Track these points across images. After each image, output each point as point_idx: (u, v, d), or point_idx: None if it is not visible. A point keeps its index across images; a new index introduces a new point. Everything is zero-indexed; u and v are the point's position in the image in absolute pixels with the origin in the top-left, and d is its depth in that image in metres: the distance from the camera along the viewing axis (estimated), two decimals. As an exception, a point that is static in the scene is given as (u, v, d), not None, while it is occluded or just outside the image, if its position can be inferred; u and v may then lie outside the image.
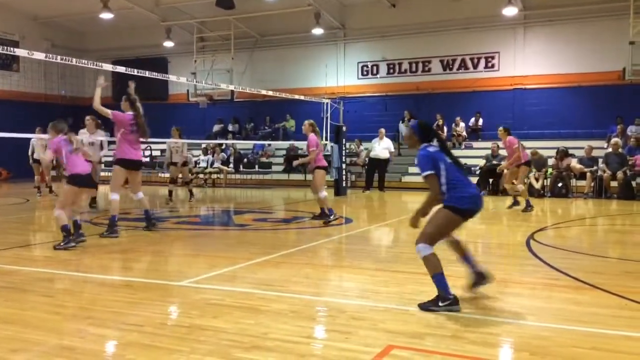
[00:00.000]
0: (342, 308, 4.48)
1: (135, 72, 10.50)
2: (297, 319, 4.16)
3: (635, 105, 17.84)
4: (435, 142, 4.65)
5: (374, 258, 6.74)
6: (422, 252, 4.44)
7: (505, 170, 12.53)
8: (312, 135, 9.94)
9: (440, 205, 4.55)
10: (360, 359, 3.39)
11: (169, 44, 23.74)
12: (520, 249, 7.34)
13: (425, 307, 4.38)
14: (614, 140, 15.94)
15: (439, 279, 4.38)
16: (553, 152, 16.33)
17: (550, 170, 15.98)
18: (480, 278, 4.78)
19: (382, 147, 17.28)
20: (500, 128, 12.11)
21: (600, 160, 15.63)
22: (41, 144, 13.98)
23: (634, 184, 14.89)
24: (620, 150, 15.51)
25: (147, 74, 10.91)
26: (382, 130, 17.58)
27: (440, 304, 4.33)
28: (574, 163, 15.93)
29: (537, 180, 15.76)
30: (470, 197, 4.51)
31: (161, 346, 3.61)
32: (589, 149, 16.16)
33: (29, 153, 15.37)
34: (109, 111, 8.11)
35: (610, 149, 15.61)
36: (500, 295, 5.01)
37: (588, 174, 15.35)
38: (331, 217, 9.54)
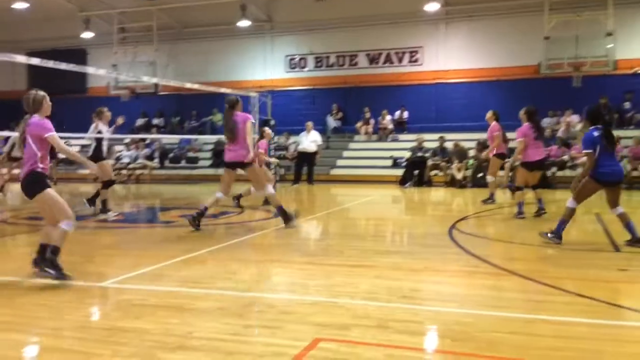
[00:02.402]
0: (271, 303, 4.46)
1: (51, 64, 10.01)
2: (224, 316, 4.10)
3: (550, 98, 18.71)
4: (600, 126, 6.35)
5: (302, 251, 6.75)
6: (569, 204, 6.54)
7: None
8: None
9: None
10: (287, 353, 3.38)
11: (87, 34, 22.77)
12: (443, 238, 7.54)
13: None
14: (529, 132, 16.64)
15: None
16: (474, 144, 16.91)
17: (471, 161, 16.53)
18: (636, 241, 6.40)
19: (309, 141, 17.35)
20: (490, 111, 12.02)
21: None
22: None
23: (549, 173, 15.63)
24: (535, 141, 16.20)
25: (63, 65, 10.43)
26: (310, 123, 17.62)
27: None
28: (493, 154, 16.52)
29: (459, 170, 16.28)
30: (605, 173, 6.26)
31: (81, 350, 3.47)
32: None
33: (7, 150, 13.67)
34: None
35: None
36: (423, 283, 5.15)
37: (505, 165, 15.96)
38: None
